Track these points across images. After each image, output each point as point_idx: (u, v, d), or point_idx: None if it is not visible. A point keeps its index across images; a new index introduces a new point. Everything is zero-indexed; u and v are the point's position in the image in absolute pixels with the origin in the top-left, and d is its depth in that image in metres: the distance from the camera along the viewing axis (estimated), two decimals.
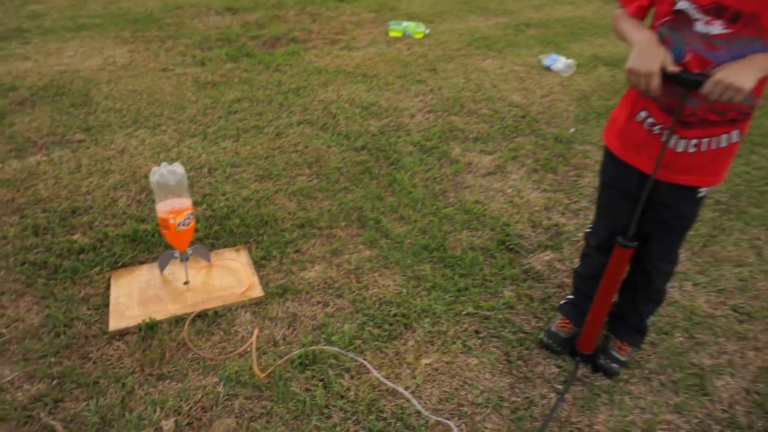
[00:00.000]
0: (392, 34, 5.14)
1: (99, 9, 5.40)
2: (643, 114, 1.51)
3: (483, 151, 3.25)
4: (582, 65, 4.54)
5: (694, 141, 1.45)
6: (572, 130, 3.52)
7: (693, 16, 1.30)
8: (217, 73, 4.10)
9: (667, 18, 1.35)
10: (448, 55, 4.72)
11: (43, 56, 4.18)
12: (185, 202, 2.07)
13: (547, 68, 4.54)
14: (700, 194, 1.55)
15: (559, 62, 4.51)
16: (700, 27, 1.29)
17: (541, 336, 1.99)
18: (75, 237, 2.35)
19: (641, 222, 1.64)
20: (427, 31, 5.26)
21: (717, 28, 1.27)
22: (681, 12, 1.31)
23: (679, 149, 1.47)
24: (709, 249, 2.56)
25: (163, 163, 2.05)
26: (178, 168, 2.05)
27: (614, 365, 1.88)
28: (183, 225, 2.05)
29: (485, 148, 3.28)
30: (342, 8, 6.00)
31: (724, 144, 1.43)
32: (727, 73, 1.24)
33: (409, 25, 5.18)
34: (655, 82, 1.31)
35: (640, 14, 1.45)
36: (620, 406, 1.79)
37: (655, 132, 1.49)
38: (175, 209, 2.04)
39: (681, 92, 1.35)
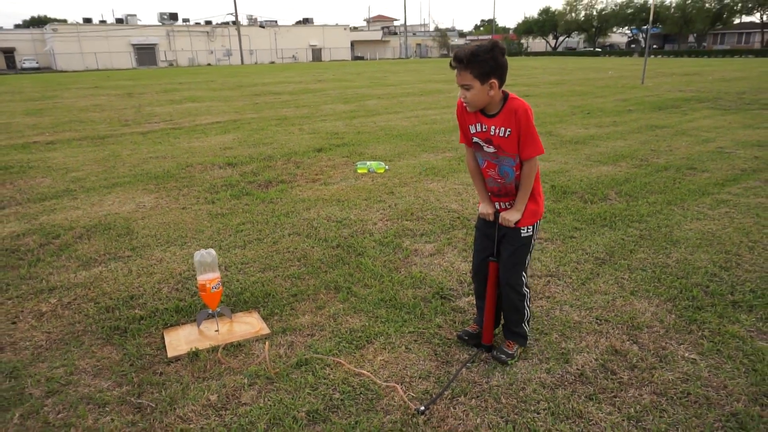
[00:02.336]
0: (359, 171, 6.53)
1: (126, 171, 6.80)
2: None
3: (427, 242, 4.38)
4: None
5: (506, 203, 2.64)
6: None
7: (482, 145, 2.54)
8: (225, 207, 5.33)
9: (473, 145, 2.60)
10: (403, 182, 6.07)
11: (89, 206, 5.41)
12: (216, 274, 3.13)
13: None
14: (523, 234, 2.65)
15: None
16: (485, 149, 2.54)
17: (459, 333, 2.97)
18: (135, 311, 3.34)
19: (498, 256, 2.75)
20: (387, 167, 6.68)
21: (492, 149, 2.51)
22: (477, 143, 2.56)
23: (503, 206, 2.64)
24: (585, 286, 3.61)
25: (201, 249, 3.14)
26: (212, 252, 3.13)
27: (502, 355, 2.80)
28: (215, 288, 3.09)
29: (428, 239, 4.42)
30: (320, 156, 7.50)
31: None
32: (505, 213, 2.60)
33: (373, 164, 6.61)
34: (491, 217, 2.63)
35: (471, 145, 2.67)
36: (509, 373, 2.71)
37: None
38: (209, 278, 3.09)
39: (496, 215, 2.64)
